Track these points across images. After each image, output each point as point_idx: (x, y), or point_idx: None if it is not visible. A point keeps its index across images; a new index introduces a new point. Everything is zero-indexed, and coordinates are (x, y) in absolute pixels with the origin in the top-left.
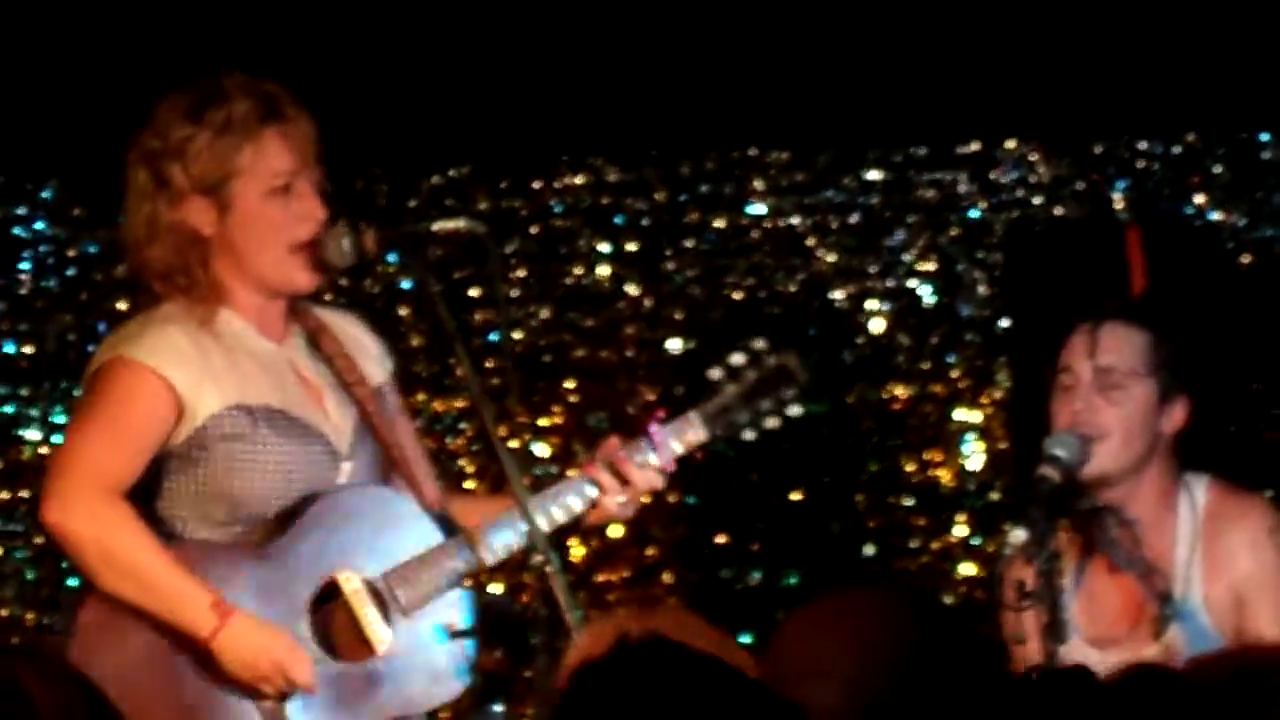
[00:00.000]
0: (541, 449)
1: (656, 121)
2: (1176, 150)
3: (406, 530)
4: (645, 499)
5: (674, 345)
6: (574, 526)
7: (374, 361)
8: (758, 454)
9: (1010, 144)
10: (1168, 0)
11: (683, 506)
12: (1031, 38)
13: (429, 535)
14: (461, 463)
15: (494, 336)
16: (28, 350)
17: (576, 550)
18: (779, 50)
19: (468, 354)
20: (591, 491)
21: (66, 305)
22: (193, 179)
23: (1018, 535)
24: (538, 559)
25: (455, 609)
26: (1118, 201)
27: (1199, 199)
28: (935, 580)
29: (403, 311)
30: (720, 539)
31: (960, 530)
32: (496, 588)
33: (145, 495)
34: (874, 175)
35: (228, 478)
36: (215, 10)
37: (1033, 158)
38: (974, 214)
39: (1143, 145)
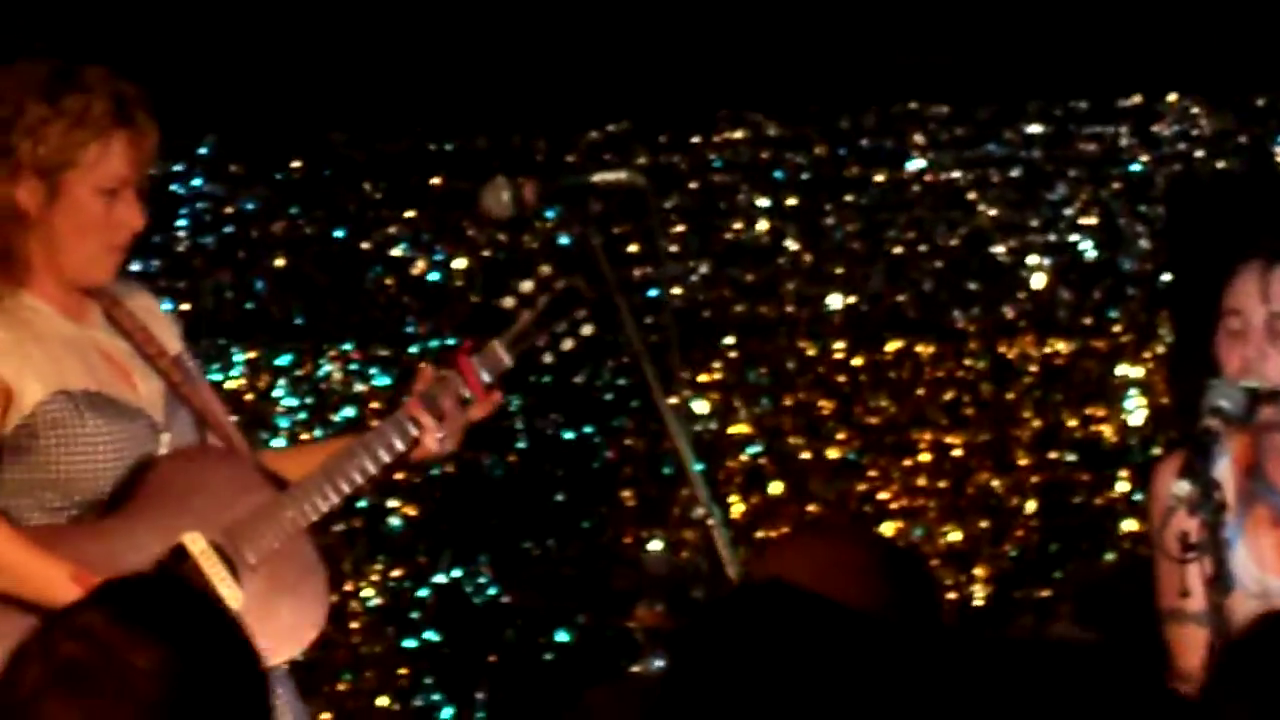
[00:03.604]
0: (701, 405)
1: (816, 76)
2: None
3: (239, 487)
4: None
5: (834, 301)
6: (398, 464)
7: (167, 330)
8: (915, 410)
9: (1172, 97)
10: None
11: (844, 462)
12: None
13: (261, 491)
14: (622, 420)
15: (653, 292)
16: (185, 307)
17: (737, 507)
18: (939, 4)
19: (629, 309)
20: (413, 430)
21: (224, 262)
22: (35, 159)
23: (1181, 487)
24: (699, 512)
25: (302, 562)
26: None
27: None
28: (1097, 536)
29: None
30: (882, 495)
31: (1123, 486)
32: (656, 544)
33: None
34: (1035, 129)
35: (59, 463)
36: None
37: (1194, 111)
38: (1136, 168)
39: None
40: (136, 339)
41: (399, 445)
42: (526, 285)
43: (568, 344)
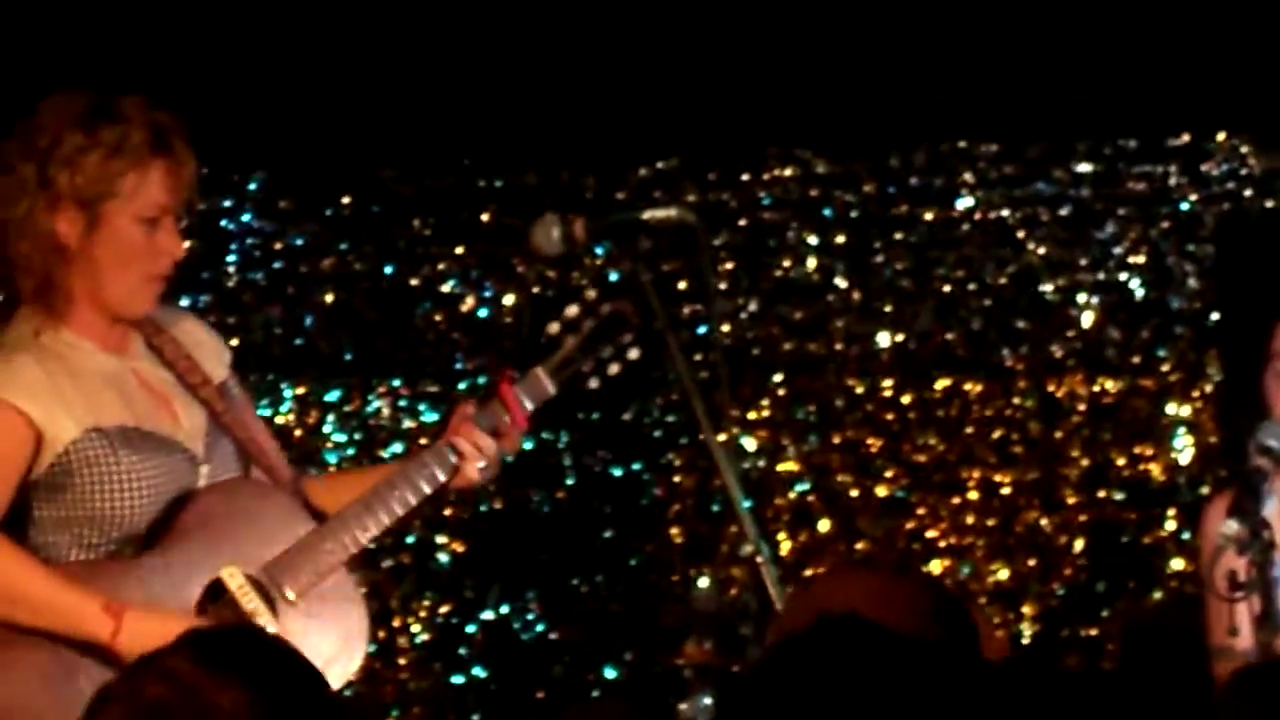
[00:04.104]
0: (750, 443)
1: (866, 114)
2: None
3: (277, 520)
4: (507, 458)
5: (883, 339)
6: (438, 496)
7: (215, 358)
8: (963, 448)
9: (1221, 136)
10: None
11: (892, 500)
12: (1243, 31)
13: (300, 523)
14: (671, 456)
15: (703, 329)
16: (234, 343)
17: (785, 544)
18: (990, 43)
19: (678, 346)
20: (453, 458)
21: (273, 298)
22: (74, 188)
23: (1230, 526)
24: (748, 549)
25: (341, 595)
26: None
27: None
28: (1145, 575)
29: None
30: (930, 533)
31: (1171, 525)
32: (704, 581)
33: (16, 528)
34: (1084, 168)
35: (95, 500)
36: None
37: (1243, 150)
38: (1185, 206)
39: None
40: (179, 368)
41: (440, 475)
42: (571, 310)
43: (614, 369)
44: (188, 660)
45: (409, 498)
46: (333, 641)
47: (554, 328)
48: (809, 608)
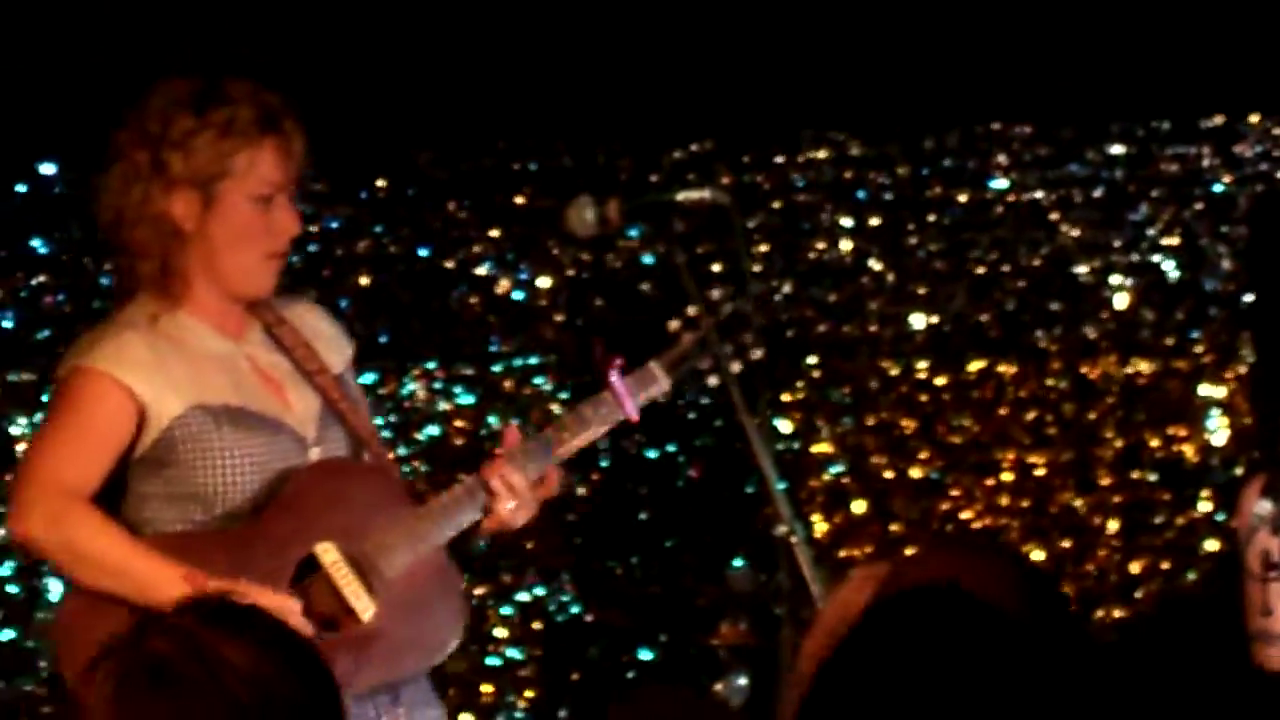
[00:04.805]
0: (784, 425)
1: (899, 96)
2: None
3: (378, 501)
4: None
5: (917, 321)
6: (468, 537)
7: (334, 349)
8: (997, 429)
9: (1254, 118)
10: None
11: (926, 481)
12: (1276, 12)
13: (401, 505)
14: (705, 438)
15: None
16: None
17: (820, 525)
18: (1022, 25)
19: (713, 328)
20: (483, 499)
21: (309, 280)
22: (189, 171)
23: (1264, 506)
24: (782, 530)
25: (439, 578)
26: None
27: None
28: (1180, 556)
29: (644, 286)
30: (965, 514)
31: (1204, 506)
32: (739, 562)
33: (110, 504)
34: (1117, 149)
35: (197, 475)
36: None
37: (1277, 132)
38: (1218, 188)
39: None
40: (296, 355)
41: (471, 515)
42: (693, 308)
43: (735, 366)
44: (192, 619)
45: (437, 540)
46: (428, 622)
47: (674, 324)
48: (893, 586)
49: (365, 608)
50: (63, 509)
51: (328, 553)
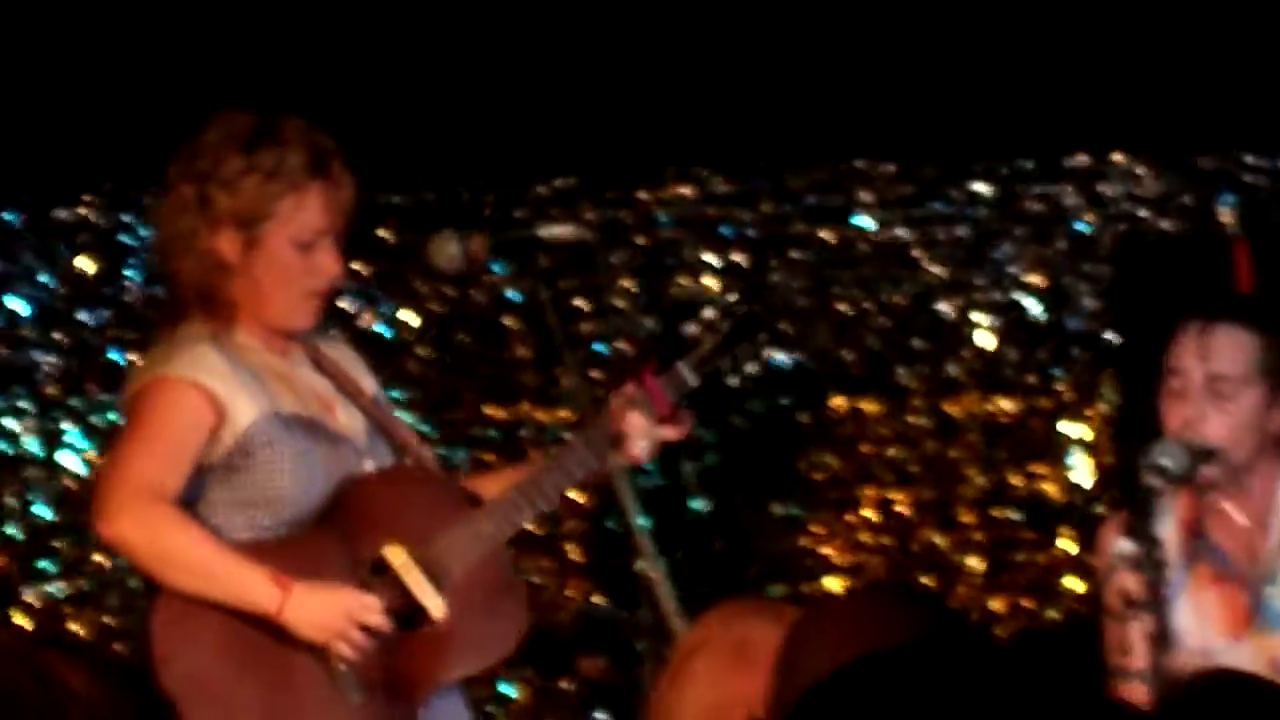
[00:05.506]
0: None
1: (763, 133)
2: None
3: (440, 503)
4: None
5: (781, 358)
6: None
7: (365, 375)
8: (859, 467)
9: (1118, 157)
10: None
11: (787, 518)
12: (1139, 51)
13: (461, 507)
14: None
15: (599, 347)
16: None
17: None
18: (885, 63)
19: (576, 364)
20: (608, 442)
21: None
22: (234, 210)
23: (1124, 546)
24: (641, 565)
25: (501, 577)
26: (1225, 216)
27: None
28: (1042, 594)
29: (508, 321)
30: (826, 550)
31: (1066, 544)
32: (599, 599)
33: (185, 508)
34: (981, 188)
35: (271, 481)
36: (339, 26)
37: (1140, 171)
38: (1081, 227)
39: (1250, 160)
40: (338, 380)
41: (593, 461)
42: (710, 313)
43: (751, 366)
44: (19, 638)
45: (564, 481)
46: (492, 622)
47: (692, 328)
48: (821, 636)
49: (436, 606)
50: (152, 511)
51: (397, 555)
